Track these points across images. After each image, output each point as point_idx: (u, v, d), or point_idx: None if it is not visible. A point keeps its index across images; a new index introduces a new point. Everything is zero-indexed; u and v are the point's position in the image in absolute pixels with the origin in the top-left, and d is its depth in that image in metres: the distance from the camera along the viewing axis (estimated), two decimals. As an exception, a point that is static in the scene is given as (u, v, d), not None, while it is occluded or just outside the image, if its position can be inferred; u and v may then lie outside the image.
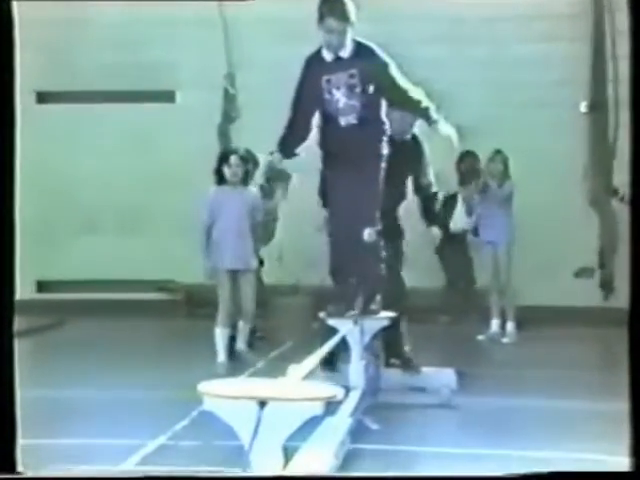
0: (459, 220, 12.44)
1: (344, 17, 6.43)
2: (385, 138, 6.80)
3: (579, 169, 13.06)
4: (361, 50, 6.57)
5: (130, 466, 5.73)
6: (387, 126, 6.84)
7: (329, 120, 6.71)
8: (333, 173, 6.91)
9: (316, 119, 7.04)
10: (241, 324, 9.29)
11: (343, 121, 6.62)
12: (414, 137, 7.76)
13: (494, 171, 11.27)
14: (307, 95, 6.67)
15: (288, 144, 6.90)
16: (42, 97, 13.98)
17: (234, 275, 9.01)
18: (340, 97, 6.54)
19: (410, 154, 7.68)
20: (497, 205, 11.19)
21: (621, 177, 12.61)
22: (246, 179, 8.99)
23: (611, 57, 12.86)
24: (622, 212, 12.80)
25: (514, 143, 11.57)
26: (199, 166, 11.92)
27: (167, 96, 13.82)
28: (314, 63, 6.65)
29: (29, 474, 3.75)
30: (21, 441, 5.63)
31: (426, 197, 8.05)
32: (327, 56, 6.59)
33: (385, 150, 6.79)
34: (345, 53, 6.54)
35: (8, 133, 3.67)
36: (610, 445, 6.33)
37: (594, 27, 12.94)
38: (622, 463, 5.87)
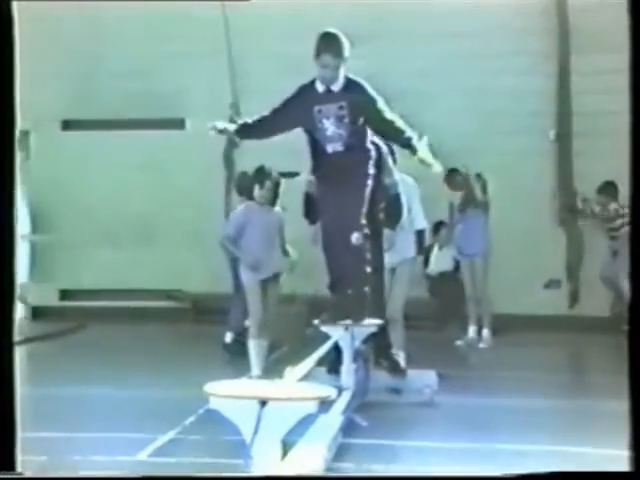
0: (435, 265, 12.56)
1: (339, 54, 6.39)
2: (371, 162, 6.73)
3: (548, 191, 13.07)
4: (351, 85, 6.51)
5: (143, 457, 5.72)
6: (372, 152, 6.78)
7: (317, 147, 6.67)
8: (323, 194, 6.85)
9: (304, 145, 6.90)
10: (257, 342, 8.39)
11: (330, 148, 6.58)
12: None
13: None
14: (293, 113, 6.60)
15: (249, 128, 6.78)
16: (66, 125, 14.06)
17: (264, 285, 8.40)
18: (329, 126, 6.50)
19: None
20: (474, 221, 11.20)
21: (584, 196, 12.68)
22: (274, 200, 8.43)
23: (575, 93, 12.89)
24: (587, 231, 12.85)
25: (492, 166, 11.58)
26: (206, 186, 12.00)
27: (177, 123, 13.83)
28: (307, 91, 6.60)
29: (28, 474, 3.70)
30: (43, 434, 5.63)
31: (389, 196, 7.74)
32: (320, 87, 6.53)
33: (371, 170, 6.72)
34: (336, 87, 6.49)
35: (8, 140, 3.56)
36: (577, 438, 6.35)
37: (561, 66, 12.97)
38: (586, 454, 5.90)
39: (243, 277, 8.45)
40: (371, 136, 6.84)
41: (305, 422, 4.01)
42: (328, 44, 6.40)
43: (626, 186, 13.94)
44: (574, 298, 13.00)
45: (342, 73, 6.46)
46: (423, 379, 7.65)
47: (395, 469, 5.52)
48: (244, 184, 9.35)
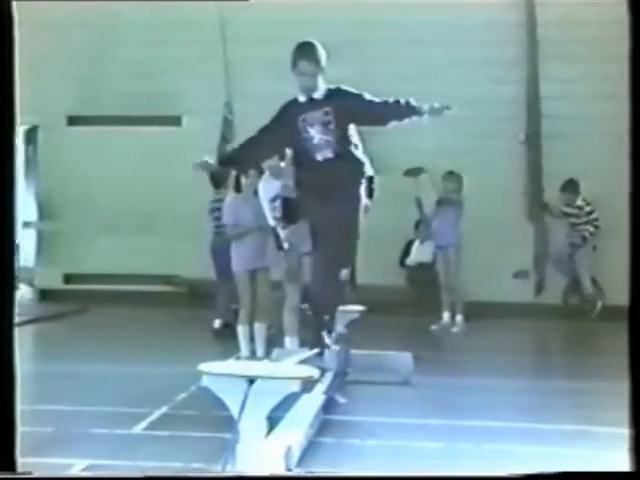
0: (415, 256, 12.61)
1: (315, 61, 5.95)
2: (364, 172, 6.18)
3: (518, 188, 13.10)
4: (333, 92, 6.06)
5: (139, 431, 5.72)
6: (367, 164, 6.22)
7: (306, 156, 6.10)
8: (309, 207, 6.27)
9: (288, 157, 6.66)
10: (257, 326, 8.29)
11: (320, 156, 6.02)
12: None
13: (447, 187, 11.30)
14: (279, 129, 6.10)
15: (235, 156, 6.41)
16: (72, 120, 14.00)
17: (252, 275, 8.26)
18: (315, 134, 5.99)
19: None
20: (448, 215, 11.22)
21: (550, 194, 12.72)
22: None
23: (543, 98, 12.92)
24: (553, 224, 12.90)
25: (467, 165, 11.61)
26: (200, 180, 11.92)
27: (174, 120, 13.80)
28: (290, 106, 6.13)
29: (33, 475, 3.69)
30: (45, 407, 5.63)
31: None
32: (302, 98, 6.07)
33: (363, 184, 6.16)
34: (318, 95, 6.03)
35: (8, 133, 3.53)
36: (541, 416, 6.38)
37: (530, 73, 13.00)
38: (550, 431, 5.93)
39: (234, 266, 8.38)
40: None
41: (289, 400, 4.03)
42: (304, 51, 6.00)
43: (591, 183, 13.99)
44: (540, 287, 13.05)
45: (321, 82, 6.04)
46: (400, 360, 7.65)
47: (371, 444, 5.53)
48: (223, 176, 9.16)
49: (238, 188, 8.37)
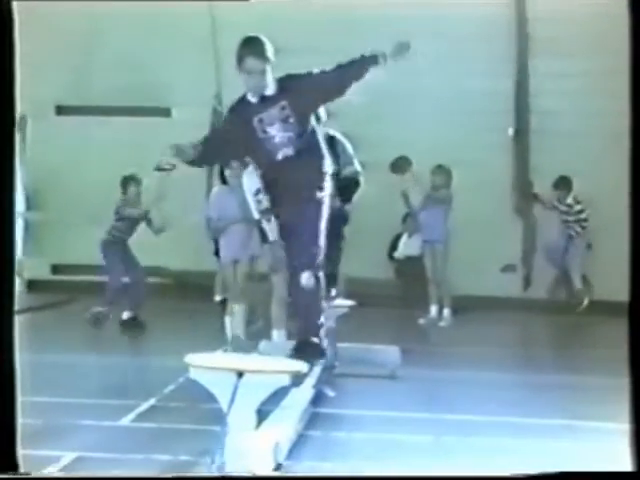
0: (403, 250, 12.62)
1: (262, 56, 5.50)
2: (326, 170, 5.73)
3: (507, 182, 13.13)
4: (284, 82, 5.57)
5: (126, 422, 5.71)
6: (327, 159, 5.79)
7: (267, 157, 5.62)
8: (277, 208, 5.88)
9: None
10: (236, 308, 8.37)
11: (280, 155, 5.56)
12: (331, 140, 7.04)
13: (436, 181, 11.30)
14: (232, 134, 5.69)
15: (203, 155, 5.88)
16: (60, 110, 13.95)
17: (236, 265, 8.37)
18: (276, 133, 5.52)
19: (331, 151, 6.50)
20: (436, 209, 11.22)
21: (540, 189, 12.75)
22: None
23: (533, 94, 12.94)
24: (541, 219, 12.93)
25: (457, 159, 11.59)
26: (189, 170, 11.90)
27: (164, 112, 13.75)
28: (239, 108, 5.65)
29: (33, 474, 3.67)
30: (32, 398, 5.59)
31: (356, 183, 7.48)
32: (252, 99, 5.56)
33: (327, 183, 5.70)
34: (270, 91, 5.53)
35: (8, 127, 3.50)
36: (528, 409, 6.41)
37: (519, 68, 13.02)
38: (537, 425, 5.95)
39: (221, 256, 8.45)
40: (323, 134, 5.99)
41: (279, 394, 4.03)
42: (250, 47, 5.58)
43: (581, 179, 13.97)
44: (527, 282, 13.09)
45: (271, 77, 5.54)
46: (388, 354, 7.66)
47: (359, 437, 5.54)
48: (219, 172, 9.22)
49: (224, 180, 8.41)
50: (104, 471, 4.40)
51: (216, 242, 9.50)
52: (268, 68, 5.51)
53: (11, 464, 3.43)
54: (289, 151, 5.55)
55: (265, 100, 5.52)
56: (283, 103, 5.50)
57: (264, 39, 5.59)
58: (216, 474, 3.68)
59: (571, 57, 12.40)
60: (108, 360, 7.95)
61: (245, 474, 3.68)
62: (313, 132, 5.70)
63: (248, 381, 3.59)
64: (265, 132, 5.52)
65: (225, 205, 8.29)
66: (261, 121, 5.51)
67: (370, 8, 12.57)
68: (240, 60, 5.58)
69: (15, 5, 3.52)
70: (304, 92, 5.53)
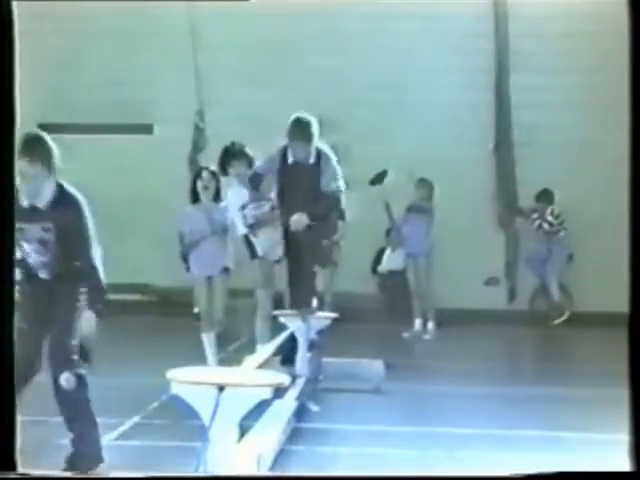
0: (387, 264, 12.61)
1: (43, 159, 5.12)
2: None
3: (489, 195, 13.17)
4: (63, 199, 5.16)
5: (110, 441, 5.66)
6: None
7: (28, 275, 5.13)
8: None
9: None
10: (204, 338, 8.16)
11: (42, 274, 5.14)
12: (318, 154, 7.15)
13: (419, 194, 11.34)
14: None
15: None
16: (43, 127, 13.81)
17: (209, 282, 8.20)
18: (31, 252, 5.06)
19: (315, 171, 7.11)
20: (419, 222, 11.24)
21: (525, 201, 12.81)
22: (217, 196, 8.19)
23: (514, 107, 13.00)
24: (523, 230, 12.97)
25: (439, 173, 11.64)
26: (173, 187, 11.88)
27: (146, 129, 13.74)
28: None
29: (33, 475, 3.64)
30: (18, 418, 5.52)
31: (336, 199, 7.52)
32: (24, 202, 4.98)
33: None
34: (41, 203, 5.04)
35: (8, 135, 3.48)
36: (512, 422, 6.40)
37: (499, 81, 13.09)
38: (518, 437, 5.95)
39: (193, 271, 8.36)
40: None
41: (261, 407, 4.00)
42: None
43: (562, 191, 14.06)
44: (512, 294, 13.11)
45: (50, 185, 5.17)
46: (371, 368, 7.66)
47: (344, 451, 5.52)
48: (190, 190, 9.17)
49: (195, 198, 8.33)
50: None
51: (185, 259, 9.42)
52: (47, 173, 5.17)
53: (10, 464, 3.41)
54: (45, 275, 5.18)
55: (33, 211, 5.09)
56: (48, 225, 5.13)
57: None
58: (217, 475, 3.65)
59: (551, 72, 12.47)
60: (92, 378, 7.87)
61: (245, 474, 3.66)
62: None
63: (229, 395, 3.57)
64: (21, 247, 5.08)
65: (194, 220, 8.26)
66: (21, 231, 4.98)
67: (350, 23, 12.63)
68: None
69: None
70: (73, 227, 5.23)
